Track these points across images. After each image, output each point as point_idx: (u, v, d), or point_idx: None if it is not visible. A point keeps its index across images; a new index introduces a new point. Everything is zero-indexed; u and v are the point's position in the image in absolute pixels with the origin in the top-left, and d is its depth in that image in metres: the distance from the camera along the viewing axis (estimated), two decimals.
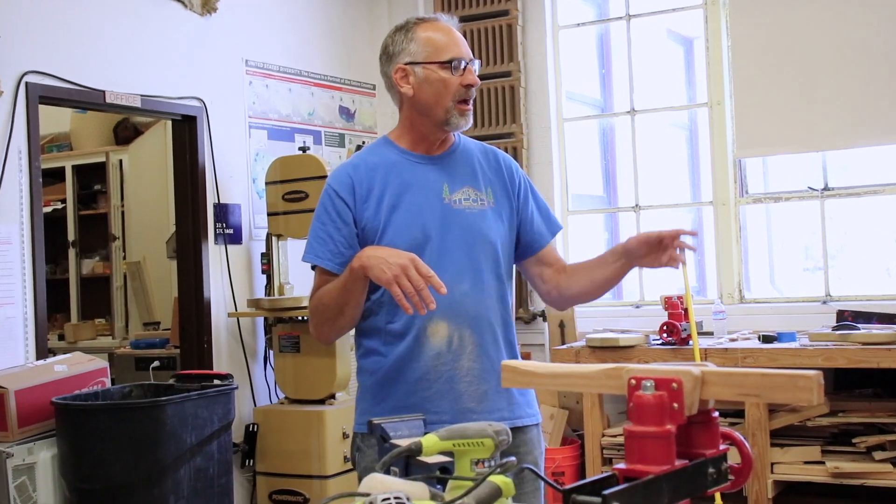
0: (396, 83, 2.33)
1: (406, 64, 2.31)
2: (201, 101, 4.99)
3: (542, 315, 5.60)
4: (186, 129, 4.98)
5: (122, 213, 7.05)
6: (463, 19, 5.77)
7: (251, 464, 4.89)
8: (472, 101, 2.31)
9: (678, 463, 1.20)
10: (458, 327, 2.29)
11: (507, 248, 2.42)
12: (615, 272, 2.39)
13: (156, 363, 5.65)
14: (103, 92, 4.47)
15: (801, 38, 5.06)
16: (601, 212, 6.14)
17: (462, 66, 2.29)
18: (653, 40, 6.13)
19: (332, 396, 4.84)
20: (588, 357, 4.70)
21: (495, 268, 2.37)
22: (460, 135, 2.45)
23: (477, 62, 2.34)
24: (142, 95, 4.66)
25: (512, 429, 2.16)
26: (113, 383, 4.02)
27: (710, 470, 1.25)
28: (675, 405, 1.23)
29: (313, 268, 2.37)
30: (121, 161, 7.05)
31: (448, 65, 2.28)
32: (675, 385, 1.23)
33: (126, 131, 7.06)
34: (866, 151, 5.16)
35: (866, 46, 4.91)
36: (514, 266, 2.51)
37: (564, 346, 4.94)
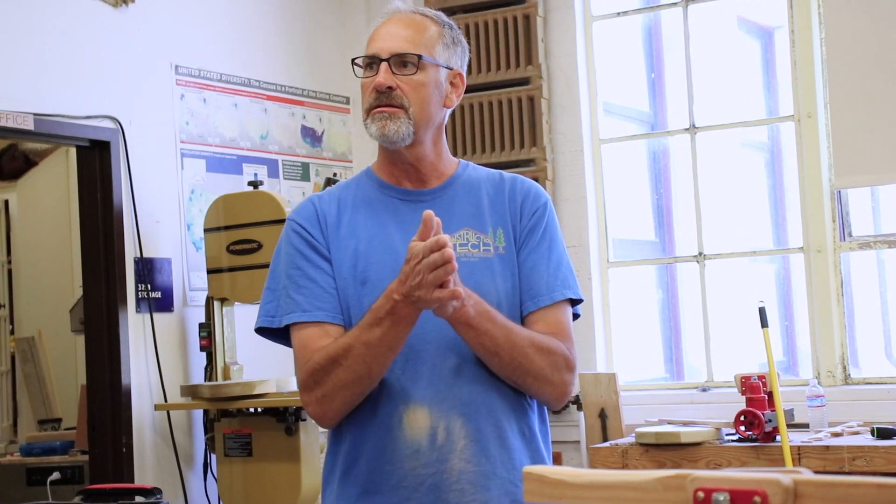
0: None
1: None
2: (116, 120, 5.03)
3: (577, 402, 5.59)
4: (96, 159, 5.01)
5: (9, 271, 7.07)
6: (466, 9, 5.87)
7: None
8: (389, 104, 2.35)
9: None
10: (445, 415, 2.28)
11: (513, 309, 2.40)
12: (474, 348, 2.33)
13: (55, 475, 5.62)
14: None
15: None
16: (653, 263, 6.15)
17: (374, 65, 2.38)
18: (720, 33, 6.19)
19: None
20: (639, 458, 4.68)
21: None
22: (468, 163, 2.51)
23: (409, 57, 2.37)
24: (35, 114, 4.69)
25: None
26: None
27: None
28: None
29: (263, 333, 2.42)
30: (6, 202, 7.08)
31: (357, 64, 2.43)
32: (757, 499, 1.23)
33: (13, 162, 7.10)
34: None
35: None
36: None
37: (607, 444, 4.92)
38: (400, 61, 2.36)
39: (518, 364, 2.30)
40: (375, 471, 2.29)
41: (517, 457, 2.34)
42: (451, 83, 2.44)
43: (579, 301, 2.46)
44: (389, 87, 2.34)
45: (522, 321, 2.41)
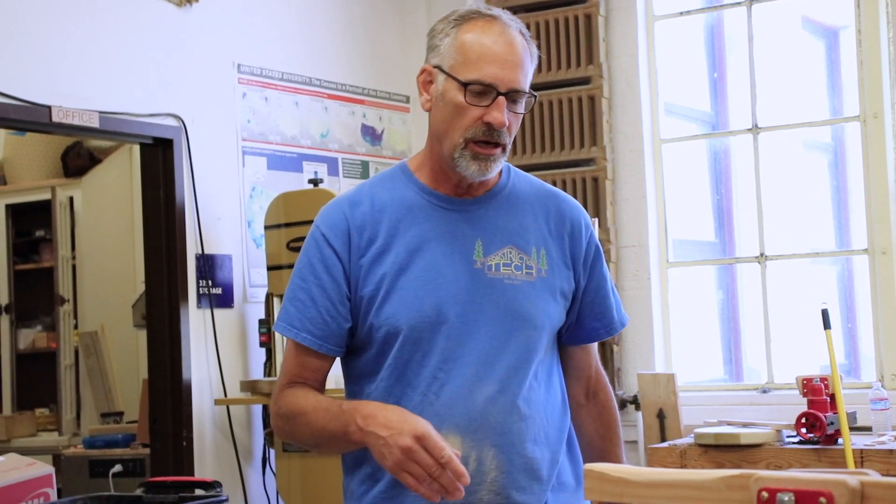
0: (419, 88, 2.30)
1: (434, 66, 2.25)
2: (179, 118, 5.07)
3: (635, 402, 5.56)
4: (159, 156, 5.06)
5: (73, 267, 7.14)
6: (528, 8, 5.87)
7: None
8: (501, 144, 2.21)
9: None
10: (478, 445, 2.21)
11: (553, 337, 2.36)
12: None
13: (117, 467, 5.68)
14: (49, 108, 4.55)
15: None
16: (713, 263, 6.10)
17: (487, 95, 2.18)
18: (784, 32, 6.14)
19: None
20: (698, 459, 4.65)
21: (537, 364, 2.30)
22: (512, 170, 2.39)
23: (525, 100, 2.23)
24: (100, 112, 4.74)
25: None
26: (60, 495, 4.03)
27: None
28: None
29: None
30: (71, 199, 7.15)
31: (465, 87, 2.18)
32: (823, 500, 1.22)
33: (79, 159, 7.17)
34: None
35: None
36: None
37: (665, 445, 4.90)
38: (514, 96, 2.20)
39: (607, 441, 2.48)
40: (399, 495, 2.23)
41: (547, 487, 2.29)
42: None
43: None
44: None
45: (573, 344, 2.44)
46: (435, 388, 2.20)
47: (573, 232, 2.37)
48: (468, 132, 2.18)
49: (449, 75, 2.20)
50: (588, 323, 2.41)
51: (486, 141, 2.19)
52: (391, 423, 2.06)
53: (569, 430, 2.39)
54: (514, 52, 2.20)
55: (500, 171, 2.34)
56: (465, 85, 2.17)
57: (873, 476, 1.26)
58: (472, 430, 2.20)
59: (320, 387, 2.30)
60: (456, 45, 2.21)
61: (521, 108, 2.22)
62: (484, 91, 2.17)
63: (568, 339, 2.42)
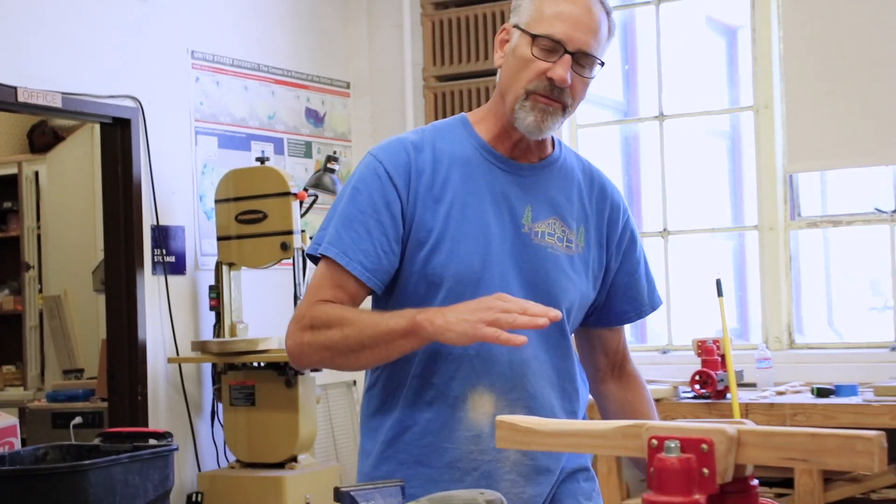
0: (496, 45, 2.15)
1: (512, 25, 2.10)
2: (136, 100, 5.01)
3: None
4: (118, 135, 5.00)
5: (38, 236, 7.05)
6: (455, 3, 5.84)
7: None
8: (562, 102, 2.06)
9: None
10: (510, 405, 2.07)
11: (580, 313, 2.22)
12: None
13: (78, 419, 5.63)
14: (14, 88, 4.48)
15: (869, 28, 5.09)
16: None
17: (555, 52, 2.03)
18: (688, 30, 6.18)
19: (294, 459, 4.83)
20: None
21: (564, 333, 2.17)
22: (559, 141, 2.24)
23: (596, 66, 2.09)
24: (63, 93, 4.68)
25: None
26: (24, 444, 4.00)
27: None
28: (705, 471, 1.24)
29: (313, 259, 2.11)
30: (36, 173, 7.05)
31: (533, 40, 2.03)
32: (705, 446, 1.25)
33: (44, 137, 7.08)
34: None
35: None
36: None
37: None
38: (582, 59, 2.05)
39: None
40: (430, 445, 2.08)
41: (568, 454, 2.17)
42: None
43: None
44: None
45: (604, 326, 2.29)
46: (475, 346, 2.00)
47: (612, 214, 2.24)
48: (530, 84, 2.04)
49: (523, 31, 2.06)
50: (618, 306, 2.28)
51: (544, 95, 2.04)
52: (458, 305, 1.91)
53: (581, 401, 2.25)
54: (590, 16, 2.06)
55: (554, 143, 2.21)
56: (534, 38, 2.03)
57: (749, 425, 1.29)
58: (507, 390, 2.07)
59: None
60: (535, 3, 2.07)
61: (588, 72, 2.07)
62: (552, 48, 2.03)
63: (596, 320, 2.28)
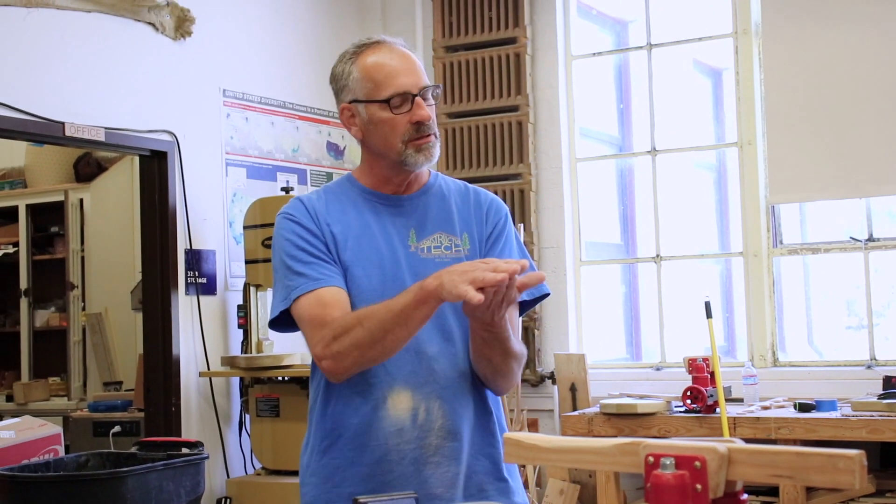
0: (345, 125, 2.29)
1: (350, 102, 2.24)
2: (172, 134, 5.03)
3: (552, 377, 5.59)
4: (155, 166, 5.01)
5: (82, 258, 7.06)
6: (466, 47, 5.87)
7: None
8: (432, 133, 2.20)
9: None
10: (425, 398, 2.16)
11: None
12: (474, 341, 2.18)
13: (117, 428, 5.62)
14: (63, 124, 4.50)
15: (843, 71, 5.10)
16: (618, 262, 6.15)
17: (406, 101, 2.17)
18: (677, 72, 6.19)
19: None
20: (602, 425, 4.69)
21: (462, 323, 2.22)
22: (437, 173, 2.38)
23: (433, 89, 2.23)
24: (106, 128, 4.69)
25: None
26: (67, 451, 3.99)
27: None
28: (698, 486, 1.23)
29: (283, 322, 2.22)
30: (81, 200, 7.07)
31: (387, 103, 2.18)
32: (698, 464, 1.24)
33: (88, 167, 7.09)
34: None
35: None
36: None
37: (576, 413, 4.94)
38: (424, 93, 2.20)
39: (502, 370, 2.19)
40: (360, 446, 2.17)
41: (484, 431, 2.24)
42: None
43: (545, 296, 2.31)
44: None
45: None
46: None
47: (487, 216, 2.33)
48: (404, 136, 2.18)
49: (368, 102, 2.20)
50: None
51: (424, 136, 2.19)
52: (454, 266, 1.99)
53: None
54: (409, 60, 2.23)
55: (429, 173, 2.34)
56: (387, 101, 2.18)
57: (738, 443, 1.28)
58: (419, 383, 2.16)
59: None
60: (361, 76, 2.21)
61: (432, 100, 2.23)
62: (403, 99, 2.18)
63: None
